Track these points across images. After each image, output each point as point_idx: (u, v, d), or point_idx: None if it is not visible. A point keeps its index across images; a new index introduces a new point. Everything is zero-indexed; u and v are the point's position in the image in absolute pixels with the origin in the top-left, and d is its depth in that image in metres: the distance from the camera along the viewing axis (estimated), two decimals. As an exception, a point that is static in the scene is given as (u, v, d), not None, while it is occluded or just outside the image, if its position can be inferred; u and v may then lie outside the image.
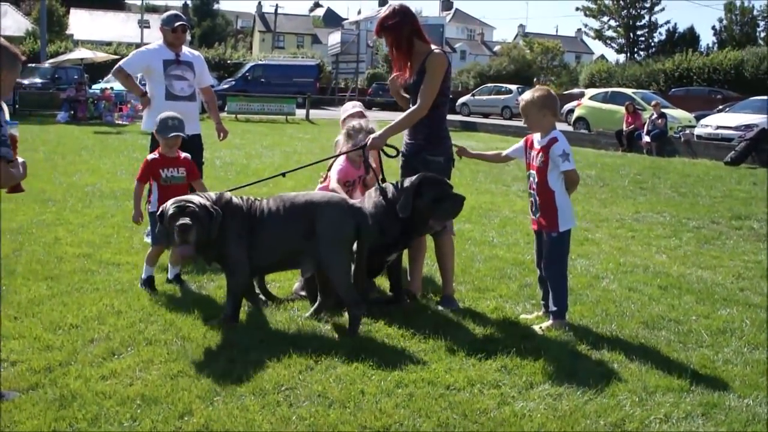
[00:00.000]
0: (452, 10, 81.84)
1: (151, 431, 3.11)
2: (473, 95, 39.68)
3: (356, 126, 5.32)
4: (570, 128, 24.66)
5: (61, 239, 6.52)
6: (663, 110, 19.83)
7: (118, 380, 3.59)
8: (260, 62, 41.93)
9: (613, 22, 59.45)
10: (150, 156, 5.21)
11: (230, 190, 4.66)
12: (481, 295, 5.31)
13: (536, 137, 4.67)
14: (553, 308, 4.60)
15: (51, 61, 31.65)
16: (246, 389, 3.50)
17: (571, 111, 26.69)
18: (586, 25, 62.44)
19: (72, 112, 22.70)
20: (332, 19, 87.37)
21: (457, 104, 37.74)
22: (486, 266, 6.13)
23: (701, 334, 4.57)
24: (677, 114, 22.40)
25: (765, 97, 21.60)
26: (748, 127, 18.21)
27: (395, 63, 5.07)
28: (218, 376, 3.65)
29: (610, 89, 27.87)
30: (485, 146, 16.91)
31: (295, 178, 8.89)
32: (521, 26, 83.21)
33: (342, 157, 5.39)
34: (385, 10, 4.99)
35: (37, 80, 29.48)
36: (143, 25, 49.61)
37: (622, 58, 59.73)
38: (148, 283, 5.12)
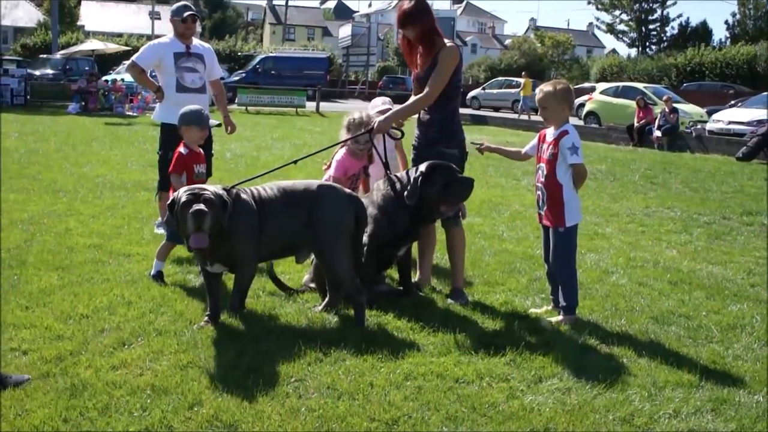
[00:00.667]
0: (463, 4, 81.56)
1: (161, 421, 3.12)
2: (484, 89, 39.55)
3: (356, 118, 5.28)
4: (581, 122, 24.56)
5: (72, 230, 6.55)
6: (674, 105, 19.72)
7: (128, 370, 3.61)
8: (271, 54, 41.92)
9: (624, 16, 59.01)
10: (182, 149, 4.99)
11: (239, 183, 4.52)
12: (491, 288, 5.30)
13: (549, 131, 4.66)
14: (563, 304, 4.59)
15: (62, 52, 31.84)
16: (255, 380, 3.51)
17: (582, 105, 26.55)
18: (597, 19, 62.61)
19: (83, 103, 22.83)
20: (343, 12, 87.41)
21: (467, 97, 37.59)
22: (495, 260, 6.13)
23: (711, 330, 4.55)
24: (689, 109, 22.26)
25: (777, 93, 21.48)
26: (760, 122, 18.08)
27: (421, 56, 4.92)
28: (228, 367, 3.67)
29: (621, 84, 27.70)
30: (495, 140, 16.85)
31: (306, 170, 8.90)
32: (532, 20, 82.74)
33: (342, 150, 5.35)
34: (409, 3, 4.82)
35: (49, 71, 29.67)
36: (154, 16, 49.64)
37: (633, 52, 59.38)
38: (158, 278, 5.12)
